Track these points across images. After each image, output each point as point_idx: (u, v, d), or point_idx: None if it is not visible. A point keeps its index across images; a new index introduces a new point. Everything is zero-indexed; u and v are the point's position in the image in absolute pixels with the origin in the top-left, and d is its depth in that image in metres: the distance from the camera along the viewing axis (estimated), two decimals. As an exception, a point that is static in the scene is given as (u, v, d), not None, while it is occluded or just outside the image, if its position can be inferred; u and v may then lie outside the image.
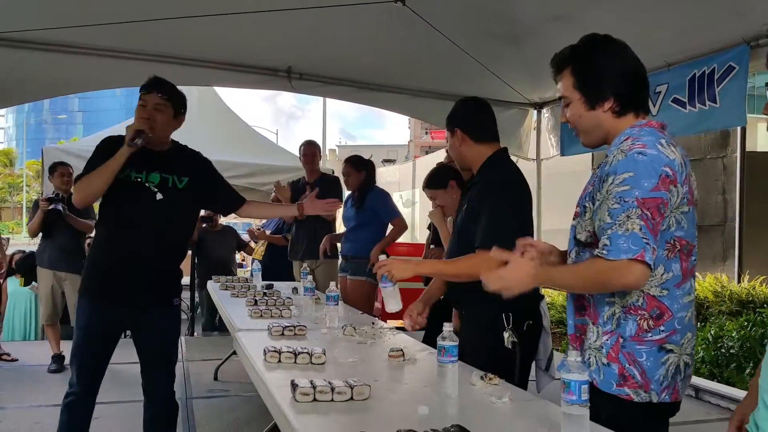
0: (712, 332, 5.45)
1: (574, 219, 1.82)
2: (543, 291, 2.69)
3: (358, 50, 5.00)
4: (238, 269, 8.71)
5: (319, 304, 3.66)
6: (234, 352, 4.58)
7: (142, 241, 2.71)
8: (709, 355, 5.14)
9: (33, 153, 61.28)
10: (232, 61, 5.19)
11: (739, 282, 7.12)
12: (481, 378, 1.97)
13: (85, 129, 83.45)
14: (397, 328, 2.96)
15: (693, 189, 1.70)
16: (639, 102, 1.78)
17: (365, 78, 5.64)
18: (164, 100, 2.72)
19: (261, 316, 3.18)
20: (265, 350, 2.21)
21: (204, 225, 7.27)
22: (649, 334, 1.65)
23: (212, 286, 4.66)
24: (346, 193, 5.34)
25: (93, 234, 3.83)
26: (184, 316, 9.69)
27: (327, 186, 5.24)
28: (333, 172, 6.65)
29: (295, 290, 4.19)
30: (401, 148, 49.66)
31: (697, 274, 1.82)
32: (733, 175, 7.81)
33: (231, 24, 4.27)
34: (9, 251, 6.21)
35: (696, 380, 4.63)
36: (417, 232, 9.83)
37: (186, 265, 8.23)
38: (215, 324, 7.25)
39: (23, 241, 13.06)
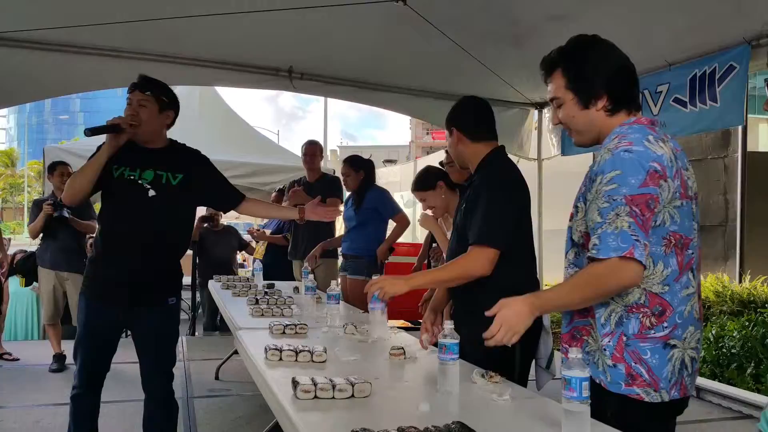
0: (714, 332, 5.45)
1: (570, 220, 1.82)
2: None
3: (360, 50, 5.00)
4: (239, 269, 8.72)
5: (320, 303, 3.66)
6: (235, 352, 4.58)
7: (135, 238, 2.71)
8: (711, 354, 5.14)
9: (34, 153, 61.42)
10: (233, 61, 5.20)
11: (740, 282, 7.12)
12: (482, 376, 1.98)
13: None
14: (399, 328, 2.96)
15: (687, 183, 1.69)
16: (631, 99, 1.78)
17: (366, 78, 5.64)
18: (147, 96, 2.74)
19: (262, 314, 3.18)
20: (266, 348, 2.22)
21: (205, 225, 7.27)
22: (652, 331, 1.65)
23: (213, 285, 4.66)
24: (347, 193, 5.33)
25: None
26: (185, 316, 9.71)
27: (327, 186, 5.26)
28: (334, 173, 6.65)
29: (296, 290, 4.19)
30: (402, 148, 49.64)
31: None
32: (735, 175, 7.80)
33: (232, 24, 4.27)
34: (11, 251, 6.22)
35: (697, 380, 4.62)
36: (418, 233, 9.83)
37: (187, 265, 8.26)
38: (216, 324, 7.25)
39: (24, 242, 13.02)
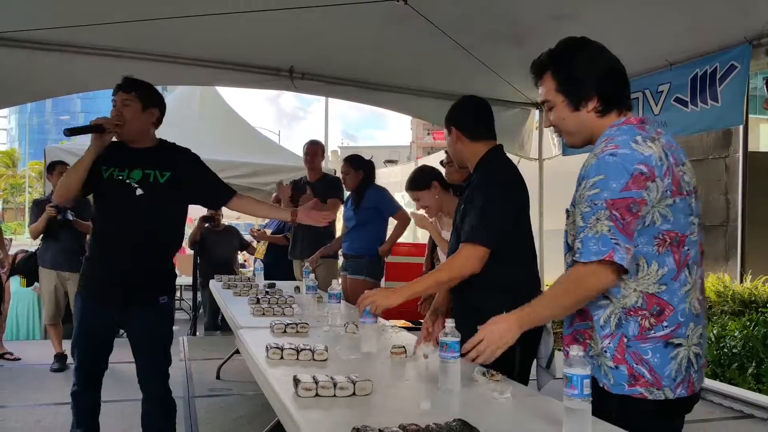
0: (715, 332, 5.45)
1: (566, 224, 1.83)
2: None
3: (361, 50, 5.00)
4: (241, 269, 8.72)
5: (321, 302, 3.67)
6: (236, 351, 4.59)
7: (124, 238, 2.74)
8: (712, 354, 5.13)
9: (35, 154, 61.40)
10: (234, 61, 5.20)
11: (741, 282, 7.12)
12: (483, 374, 1.98)
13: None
14: (400, 327, 2.96)
15: (681, 179, 1.68)
16: (621, 100, 1.79)
17: (367, 77, 5.64)
18: (130, 96, 2.76)
19: (263, 314, 3.19)
20: (267, 347, 2.22)
21: (206, 225, 7.28)
22: (652, 332, 1.64)
23: (214, 285, 4.67)
24: (347, 194, 5.33)
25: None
26: (186, 316, 9.71)
27: (328, 186, 5.26)
28: (335, 173, 6.65)
29: (297, 289, 4.20)
30: (403, 149, 49.64)
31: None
32: (736, 175, 7.80)
33: (233, 23, 4.28)
34: (12, 251, 6.23)
35: (699, 380, 4.62)
36: (419, 232, 9.84)
37: (188, 265, 8.27)
38: (217, 324, 7.26)
39: (26, 242, 13.05)
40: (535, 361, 2.53)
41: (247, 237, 7.94)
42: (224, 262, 7.13)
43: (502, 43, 4.62)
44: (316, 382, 1.75)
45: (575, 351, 1.49)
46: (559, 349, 2.15)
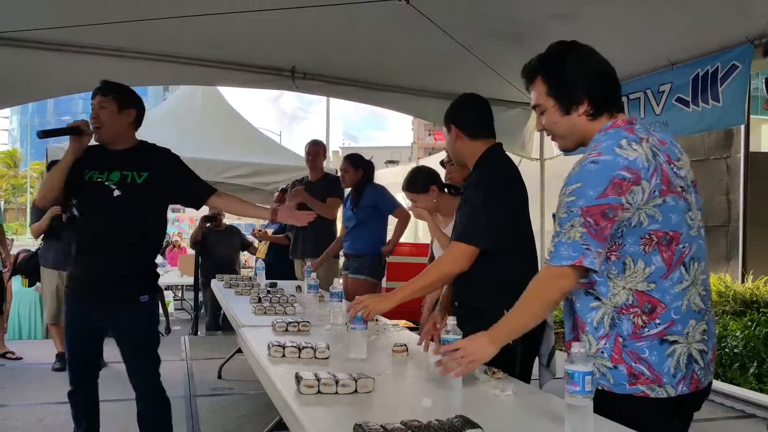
0: (716, 332, 5.44)
1: (554, 227, 1.84)
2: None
3: (362, 49, 5.01)
4: (242, 270, 8.72)
5: (323, 301, 3.67)
6: (238, 350, 4.60)
7: (102, 239, 2.78)
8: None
9: (37, 154, 61.37)
10: (235, 61, 5.21)
11: (743, 282, 7.11)
12: (485, 372, 1.98)
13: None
14: (402, 327, 2.96)
15: (672, 176, 1.67)
16: (612, 103, 1.79)
17: (369, 77, 5.65)
18: (106, 98, 2.81)
19: (265, 312, 3.19)
20: (269, 345, 2.22)
21: (208, 225, 7.29)
22: (646, 329, 1.65)
23: (216, 284, 4.67)
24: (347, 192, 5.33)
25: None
26: (187, 316, 9.70)
27: (329, 186, 5.26)
28: (336, 173, 6.65)
29: (298, 288, 4.20)
30: (404, 149, 49.69)
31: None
32: (737, 176, 7.79)
33: (234, 23, 4.28)
34: (13, 251, 6.24)
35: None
36: (420, 233, 9.84)
37: (189, 265, 8.28)
38: (219, 323, 7.27)
39: (27, 242, 13.09)
40: (537, 359, 2.54)
41: (250, 238, 7.95)
42: (226, 262, 7.13)
43: (503, 43, 4.62)
44: (318, 380, 1.75)
45: (577, 348, 1.50)
46: (561, 349, 2.15)
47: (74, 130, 2.75)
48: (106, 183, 2.78)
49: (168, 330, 8.63)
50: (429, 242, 4.87)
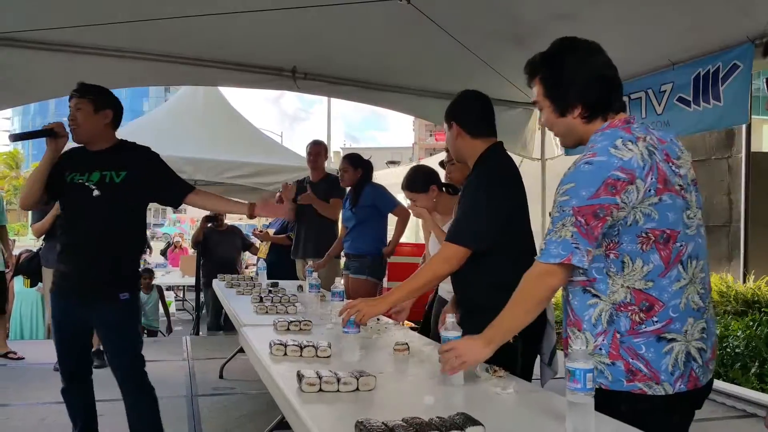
0: (718, 332, 5.43)
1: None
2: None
3: (363, 50, 5.01)
4: (244, 270, 8.73)
5: (324, 301, 3.67)
6: (239, 350, 4.60)
7: (82, 238, 2.83)
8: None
9: (38, 156, 61.13)
10: (236, 61, 5.22)
11: (744, 282, 7.10)
12: (486, 370, 1.98)
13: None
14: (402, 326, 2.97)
15: (669, 175, 1.67)
16: (609, 105, 1.78)
17: (370, 78, 5.65)
18: (82, 100, 2.85)
19: (266, 312, 3.19)
20: (270, 343, 2.23)
21: (209, 225, 7.30)
22: (643, 326, 1.66)
23: (217, 284, 4.67)
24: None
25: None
26: (189, 316, 9.70)
27: (330, 186, 5.26)
28: (337, 173, 6.65)
29: (300, 288, 4.20)
30: (405, 150, 49.71)
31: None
32: (738, 176, 7.78)
33: (236, 24, 4.29)
34: (16, 252, 6.25)
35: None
36: (420, 233, 9.86)
37: (191, 265, 8.29)
38: (220, 323, 7.28)
39: (29, 243, 13.11)
40: (538, 357, 2.54)
41: (251, 238, 7.95)
42: (227, 262, 7.14)
43: (504, 43, 4.62)
44: (320, 378, 1.75)
45: (577, 345, 1.50)
46: (561, 348, 2.15)
47: (48, 133, 2.79)
48: (87, 184, 2.83)
49: (169, 330, 8.68)
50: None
